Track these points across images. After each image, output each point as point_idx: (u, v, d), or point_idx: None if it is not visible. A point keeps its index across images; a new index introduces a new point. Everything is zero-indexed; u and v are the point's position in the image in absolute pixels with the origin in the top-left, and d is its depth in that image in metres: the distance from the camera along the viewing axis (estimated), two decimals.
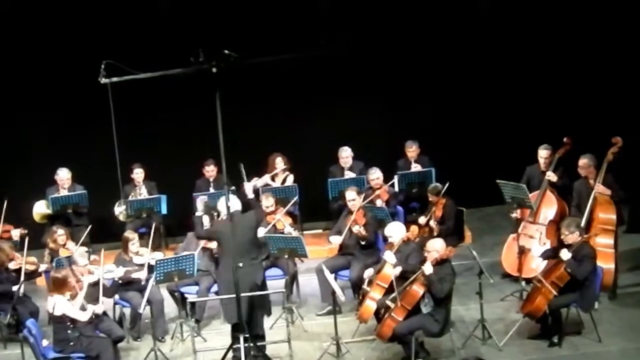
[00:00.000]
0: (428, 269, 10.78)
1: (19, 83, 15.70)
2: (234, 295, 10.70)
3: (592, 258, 11.19)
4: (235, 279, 10.66)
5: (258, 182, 14.89)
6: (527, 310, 11.32)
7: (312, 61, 14.07)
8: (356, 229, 12.73)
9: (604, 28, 15.74)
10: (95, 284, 11.59)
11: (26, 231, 13.61)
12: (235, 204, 11.46)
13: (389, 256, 11.53)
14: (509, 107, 16.08)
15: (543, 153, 13.31)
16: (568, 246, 11.18)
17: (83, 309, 11.14)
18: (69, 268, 11.72)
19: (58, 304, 11.01)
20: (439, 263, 10.89)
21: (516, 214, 12.92)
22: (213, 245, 12.44)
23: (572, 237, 11.21)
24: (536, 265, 11.57)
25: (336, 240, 13.00)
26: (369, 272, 11.82)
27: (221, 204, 11.66)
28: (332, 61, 13.68)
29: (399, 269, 11.37)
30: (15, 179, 15.75)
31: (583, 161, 12.48)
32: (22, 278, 12.47)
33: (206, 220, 12.83)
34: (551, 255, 11.56)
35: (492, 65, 16.05)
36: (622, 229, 13.01)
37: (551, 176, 12.96)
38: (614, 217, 12.18)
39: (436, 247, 10.99)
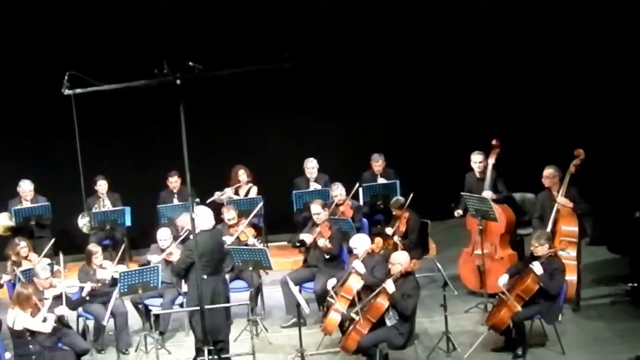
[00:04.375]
0: (390, 287, 10.76)
1: None
2: (197, 308, 10.63)
3: (562, 272, 11.25)
4: (206, 293, 10.63)
5: (222, 195, 14.87)
6: (491, 322, 11.34)
7: (277, 74, 14.08)
8: (321, 242, 12.71)
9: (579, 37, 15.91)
10: (58, 297, 11.50)
11: None
12: (208, 219, 11.30)
13: (358, 266, 11.51)
14: (472, 115, 16.17)
15: (476, 158, 13.30)
16: (537, 258, 11.23)
17: (44, 320, 11.03)
18: (33, 283, 11.58)
19: (18, 318, 10.90)
20: (403, 276, 10.90)
21: (458, 214, 13.01)
22: (175, 258, 12.34)
23: (542, 249, 11.25)
24: (502, 282, 11.48)
25: (308, 238, 12.92)
26: (332, 282, 11.79)
27: (197, 219, 11.01)
28: (298, 74, 13.68)
29: (361, 283, 11.37)
30: None
31: (548, 171, 12.48)
32: None
33: (168, 234, 12.79)
34: (516, 272, 11.57)
35: (469, 73, 16.20)
36: (585, 241, 13.06)
37: (488, 195, 12.93)
38: (576, 229, 12.21)
39: (400, 260, 10.98)
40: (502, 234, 12.85)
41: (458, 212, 13.25)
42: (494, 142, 13.16)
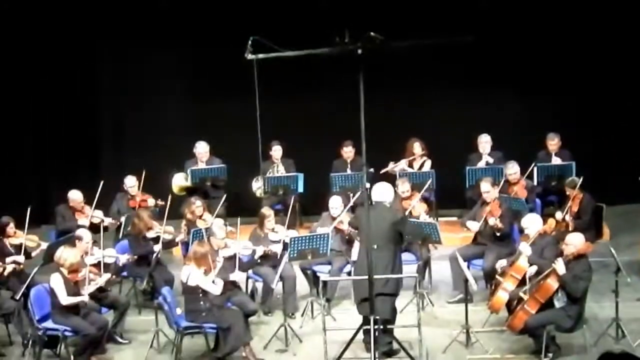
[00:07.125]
0: (561, 268, 10.58)
1: (161, 56, 16.04)
2: (366, 277, 10.59)
3: None
4: (368, 262, 10.53)
5: (396, 167, 14.89)
6: None
7: (453, 49, 14.00)
8: (492, 221, 12.60)
9: None
10: (231, 257, 11.75)
11: (163, 203, 13.82)
12: (387, 193, 11.26)
13: (524, 247, 11.38)
14: None
15: None
16: None
17: (213, 282, 11.29)
18: (209, 242, 11.84)
19: (193, 275, 11.15)
20: (576, 258, 10.70)
21: None
22: (345, 226, 12.47)
23: None
24: None
25: (473, 226, 12.88)
26: (501, 263, 11.65)
27: (373, 192, 11.23)
28: (473, 49, 13.56)
29: (534, 266, 11.20)
30: (154, 152, 16.08)
31: None
32: (159, 246, 12.68)
33: (339, 202, 12.88)
34: None
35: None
36: None
37: None
38: None
39: (574, 241, 10.78)
40: None
41: None
42: None
